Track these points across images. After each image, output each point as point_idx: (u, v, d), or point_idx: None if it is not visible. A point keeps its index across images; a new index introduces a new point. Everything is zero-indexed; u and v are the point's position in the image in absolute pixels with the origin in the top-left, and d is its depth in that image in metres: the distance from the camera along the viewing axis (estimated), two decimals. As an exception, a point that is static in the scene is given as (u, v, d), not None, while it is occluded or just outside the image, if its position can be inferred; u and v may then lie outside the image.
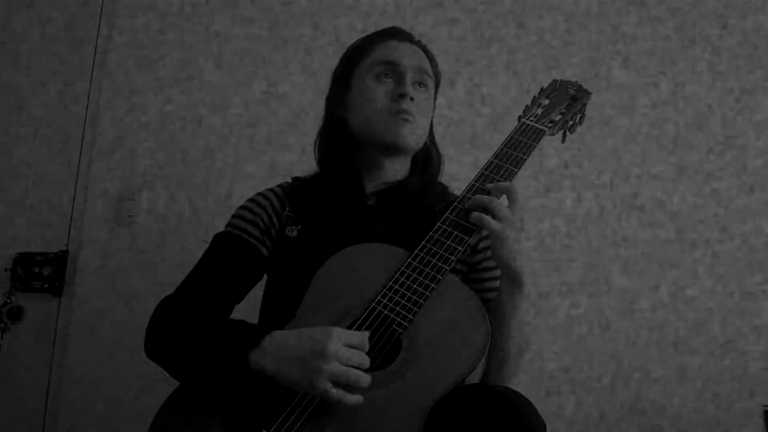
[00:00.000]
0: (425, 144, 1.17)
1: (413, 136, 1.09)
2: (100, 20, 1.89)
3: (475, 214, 0.92)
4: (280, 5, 1.87)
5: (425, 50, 1.16)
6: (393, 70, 1.09)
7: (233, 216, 1.11)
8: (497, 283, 1.04)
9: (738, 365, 1.58)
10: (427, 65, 1.14)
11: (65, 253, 1.75)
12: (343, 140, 1.14)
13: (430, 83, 1.15)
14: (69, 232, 1.78)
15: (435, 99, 1.20)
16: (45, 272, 1.73)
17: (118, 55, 1.86)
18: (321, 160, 1.18)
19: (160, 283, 1.69)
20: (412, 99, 1.08)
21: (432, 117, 1.19)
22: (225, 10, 1.88)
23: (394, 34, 1.15)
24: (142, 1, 1.89)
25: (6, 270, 1.74)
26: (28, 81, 1.87)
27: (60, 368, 1.68)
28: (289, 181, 1.18)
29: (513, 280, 0.94)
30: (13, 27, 1.91)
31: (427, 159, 1.19)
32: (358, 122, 1.12)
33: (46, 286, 1.72)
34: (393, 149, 1.10)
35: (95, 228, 1.76)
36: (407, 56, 1.11)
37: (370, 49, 1.13)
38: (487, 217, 0.90)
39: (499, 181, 0.97)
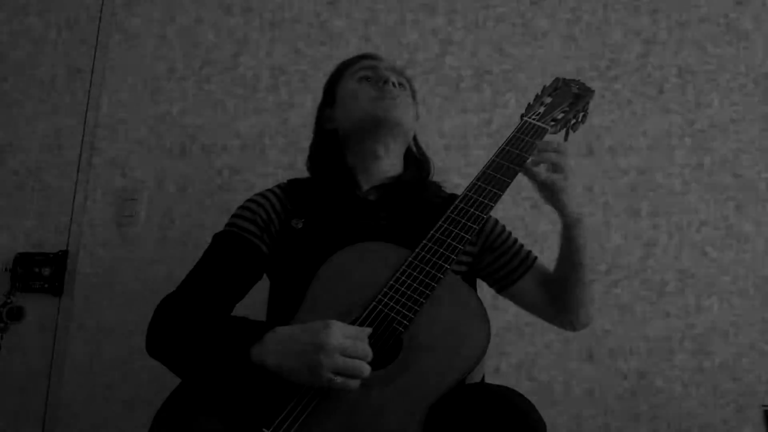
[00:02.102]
0: (413, 151, 1.27)
1: (401, 113, 1.16)
2: (100, 20, 1.90)
3: (544, 174, 0.99)
4: (284, 11, 1.87)
5: (400, 70, 1.25)
6: (374, 72, 1.19)
7: (232, 216, 1.14)
8: (516, 247, 1.20)
9: (738, 365, 1.58)
10: (400, 71, 1.24)
11: (65, 253, 1.75)
12: (333, 147, 1.21)
13: (408, 88, 1.23)
14: (69, 232, 1.77)
15: (417, 110, 1.27)
16: (45, 272, 1.72)
17: (118, 55, 1.86)
18: (312, 166, 1.25)
19: (160, 283, 1.69)
20: (394, 85, 1.17)
21: (415, 126, 1.27)
22: (227, 10, 1.88)
23: (371, 56, 1.25)
24: (143, 2, 1.89)
25: (6, 270, 1.73)
26: (28, 81, 1.87)
27: (60, 368, 1.68)
28: (285, 182, 1.21)
29: (577, 221, 1.05)
30: (13, 28, 1.91)
31: (417, 160, 1.27)
32: (346, 120, 1.18)
33: (46, 286, 1.72)
34: (383, 126, 1.15)
35: (95, 228, 1.76)
36: (383, 63, 1.22)
37: (350, 67, 1.23)
38: (556, 174, 0.99)
39: (501, 176, 1.00)
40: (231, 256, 1.07)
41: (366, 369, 0.80)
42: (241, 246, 1.08)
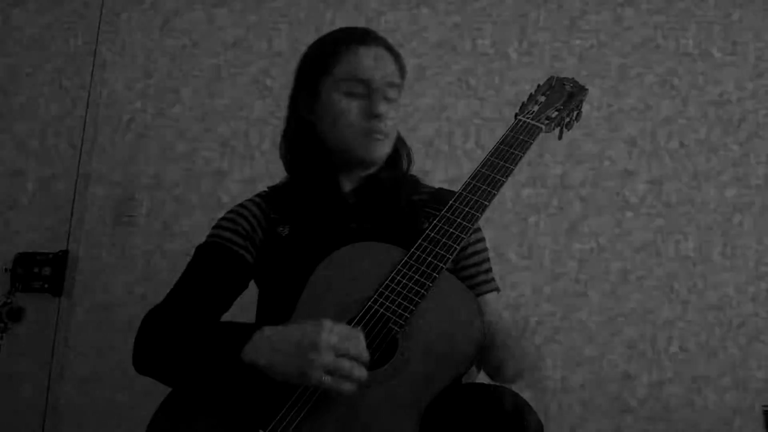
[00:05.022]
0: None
1: (384, 151, 1.10)
2: (99, 21, 1.90)
3: None
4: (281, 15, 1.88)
5: (390, 50, 1.12)
6: (364, 86, 1.07)
7: (213, 227, 1.11)
8: (486, 265, 1.11)
9: (738, 365, 1.58)
10: (394, 72, 1.10)
11: (65, 253, 1.76)
12: (314, 144, 1.12)
13: (397, 92, 1.12)
14: (69, 232, 1.78)
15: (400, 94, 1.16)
16: (45, 272, 1.73)
17: (117, 57, 1.87)
18: (291, 164, 1.16)
19: (159, 283, 1.70)
20: (383, 117, 1.06)
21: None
22: (225, 13, 1.88)
23: (360, 38, 1.10)
24: (142, 6, 1.89)
25: (6, 270, 1.74)
26: (29, 82, 1.88)
27: (60, 368, 1.69)
28: (266, 189, 1.18)
29: None
30: (13, 29, 1.92)
31: (394, 151, 1.16)
32: (331, 135, 1.09)
33: (46, 286, 1.73)
34: (365, 164, 1.10)
35: (95, 228, 1.76)
36: (377, 70, 1.07)
37: (338, 57, 1.08)
38: None
39: (495, 175, 0.98)
40: (215, 267, 1.06)
41: (360, 371, 0.79)
42: (225, 256, 1.06)
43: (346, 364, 0.78)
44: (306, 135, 1.13)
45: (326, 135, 1.11)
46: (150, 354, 0.95)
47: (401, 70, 1.13)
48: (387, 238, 0.98)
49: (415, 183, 1.17)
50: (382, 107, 1.06)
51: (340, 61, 1.08)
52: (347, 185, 1.13)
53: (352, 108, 1.06)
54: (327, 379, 0.78)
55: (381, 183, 1.12)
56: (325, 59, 1.10)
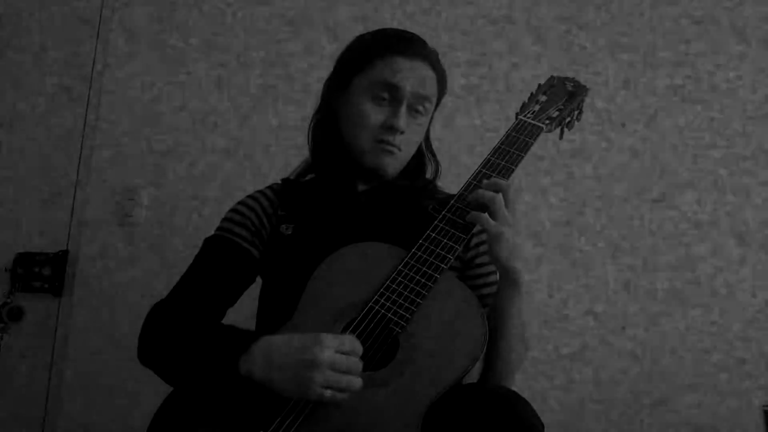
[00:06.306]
0: (418, 150, 1.16)
1: (393, 166, 1.09)
2: (100, 20, 1.89)
3: (473, 213, 0.92)
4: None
5: (434, 66, 1.09)
6: (392, 95, 1.05)
7: (222, 219, 1.11)
8: (492, 278, 1.08)
9: (738, 365, 1.57)
10: (429, 86, 1.08)
11: (65, 253, 1.76)
12: (337, 138, 1.12)
13: (429, 106, 1.10)
14: (69, 232, 1.78)
15: (435, 109, 1.16)
16: (45, 272, 1.73)
17: (118, 55, 1.86)
18: (314, 151, 1.16)
19: (159, 283, 1.69)
20: (402, 132, 1.05)
21: (429, 128, 1.17)
22: (226, 11, 1.88)
23: (403, 48, 1.06)
24: (143, 2, 1.89)
25: (6, 270, 1.74)
26: (28, 81, 1.88)
27: (60, 368, 1.69)
28: (279, 182, 1.18)
29: (513, 280, 0.94)
30: (12, 27, 1.91)
31: (418, 163, 1.17)
32: (347, 134, 1.09)
33: (46, 286, 1.73)
34: (372, 172, 1.09)
35: (95, 228, 1.76)
36: (410, 80, 1.05)
37: (375, 60, 1.06)
38: (485, 216, 0.91)
39: (497, 175, 0.97)
40: (222, 261, 1.06)
41: (357, 383, 0.79)
42: (233, 251, 1.06)
43: (344, 379, 0.79)
44: (331, 127, 1.12)
45: (344, 133, 1.10)
46: (153, 350, 0.95)
47: (440, 85, 1.11)
48: (395, 242, 0.97)
49: (432, 191, 1.16)
50: (402, 121, 1.04)
51: (375, 66, 1.05)
52: (361, 186, 1.12)
53: (373, 113, 1.05)
54: (326, 393, 0.78)
55: (393, 190, 1.11)
56: (362, 59, 1.08)
